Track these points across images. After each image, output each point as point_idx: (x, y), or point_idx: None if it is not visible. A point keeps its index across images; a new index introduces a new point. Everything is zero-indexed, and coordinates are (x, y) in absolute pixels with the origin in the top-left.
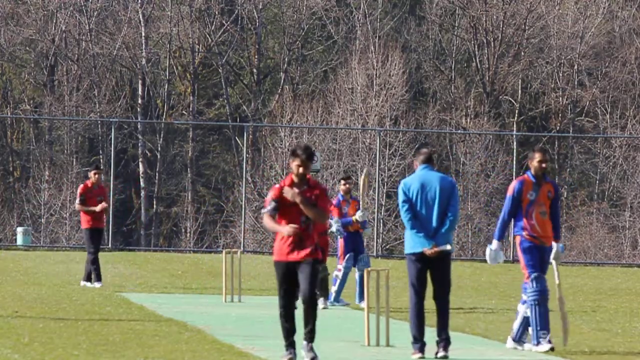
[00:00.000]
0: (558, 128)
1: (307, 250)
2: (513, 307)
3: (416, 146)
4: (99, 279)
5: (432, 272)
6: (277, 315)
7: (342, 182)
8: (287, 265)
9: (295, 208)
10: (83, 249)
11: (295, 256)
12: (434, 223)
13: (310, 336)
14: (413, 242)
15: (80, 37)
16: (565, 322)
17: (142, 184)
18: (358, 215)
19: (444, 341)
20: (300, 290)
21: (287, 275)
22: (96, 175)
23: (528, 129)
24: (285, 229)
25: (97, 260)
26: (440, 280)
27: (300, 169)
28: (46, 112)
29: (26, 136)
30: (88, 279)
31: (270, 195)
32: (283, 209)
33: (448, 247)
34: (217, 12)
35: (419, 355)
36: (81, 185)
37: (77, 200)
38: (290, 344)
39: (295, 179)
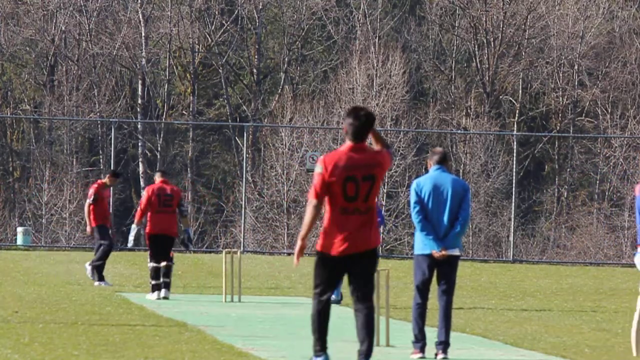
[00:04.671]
0: (558, 128)
1: (370, 239)
2: (513, 307)
3: (417, 146)
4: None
5: (439, 274)
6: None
7: None
8: (338, 260)
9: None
10: (84, 249)
11: (352, 248)
12: (444, 226)
13: (368, 353)
14: (422, 244)
15: (80, 37)
16: None
17: (142, 184)
18: None
19: (444, 344)
20: (354, 291)
21: (334, 272)
22: (112, 179)
23: (528, 129)
24: (296, 251)
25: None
26: (445, 283)
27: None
28: (46, 112)
29: (26, 136)
30: (101, 278)
31: (318, 169)
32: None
33: (457, 251)
34: (217, 12)
35: (420, 355)
36: (95, 185)
37: (90, 199)
38: (323, 349)
39: (348, 144)
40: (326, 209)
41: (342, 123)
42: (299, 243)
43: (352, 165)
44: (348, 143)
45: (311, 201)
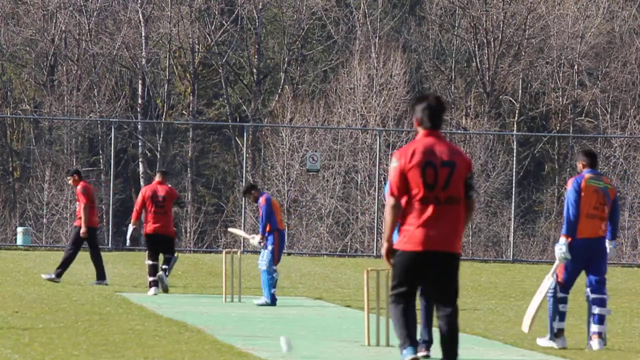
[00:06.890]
0: (558, 128)
1: (456, 241)
2: (513, 307)
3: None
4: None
5: None
6: (308, 316)
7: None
8: (416, 256)
9: (417, 172)
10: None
11: (431, 244)
12: None
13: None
14: None
15: (80, 37)
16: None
17: (142, 184)
18: (256, 241)
19: (428, 343)
20: (434, 295)
21: (413, 269)
22: (69, 181)
23: (528, 129)
24: (383, 253)
25: (93, 258)
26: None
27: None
28: (46, 112)
29: (26, 136)
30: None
31: (394, 164)
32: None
33: None
34: (217, 12)
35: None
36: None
37: None
38: (412, 343)
39: (422, 132)
40: (404, 206)
41: (342, 123)
42: (384, 245)
43: (430, 150)
44: (422, 131)
45: (389, 200)
